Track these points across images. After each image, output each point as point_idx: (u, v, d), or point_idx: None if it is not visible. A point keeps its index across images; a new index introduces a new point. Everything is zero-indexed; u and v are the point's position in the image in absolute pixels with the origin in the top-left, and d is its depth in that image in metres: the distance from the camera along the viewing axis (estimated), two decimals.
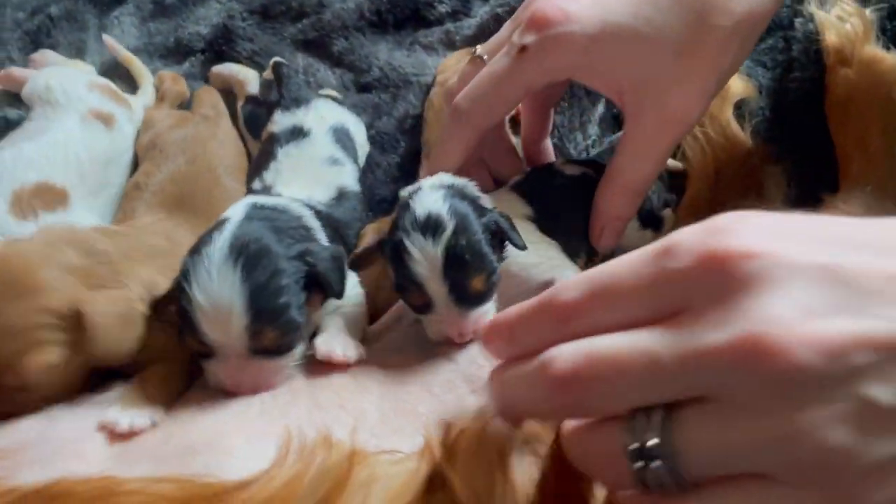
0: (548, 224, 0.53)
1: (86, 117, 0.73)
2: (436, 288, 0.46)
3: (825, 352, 0.25)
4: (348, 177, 0.64)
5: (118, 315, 0.46)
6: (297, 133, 0.65)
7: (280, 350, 0.45)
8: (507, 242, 0.49)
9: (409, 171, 0.72)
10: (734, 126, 0.67)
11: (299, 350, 0.47)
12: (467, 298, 0.46)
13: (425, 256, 0.45)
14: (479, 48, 0.55)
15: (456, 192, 0.48)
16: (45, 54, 0.83)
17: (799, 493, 0.26)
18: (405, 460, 0.38)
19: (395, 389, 0.45)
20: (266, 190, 0.60)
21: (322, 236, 0.51)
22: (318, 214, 0.55)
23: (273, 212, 0.49)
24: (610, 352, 0.29)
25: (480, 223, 0.46)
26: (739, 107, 0.70)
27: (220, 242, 0.44)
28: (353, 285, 0.54)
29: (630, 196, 0.52)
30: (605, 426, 0.30)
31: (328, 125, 0.67)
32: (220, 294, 0.43)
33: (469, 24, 0.81)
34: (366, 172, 0.72)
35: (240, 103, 0.79)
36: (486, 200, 0.50)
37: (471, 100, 0.51)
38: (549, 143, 0.63)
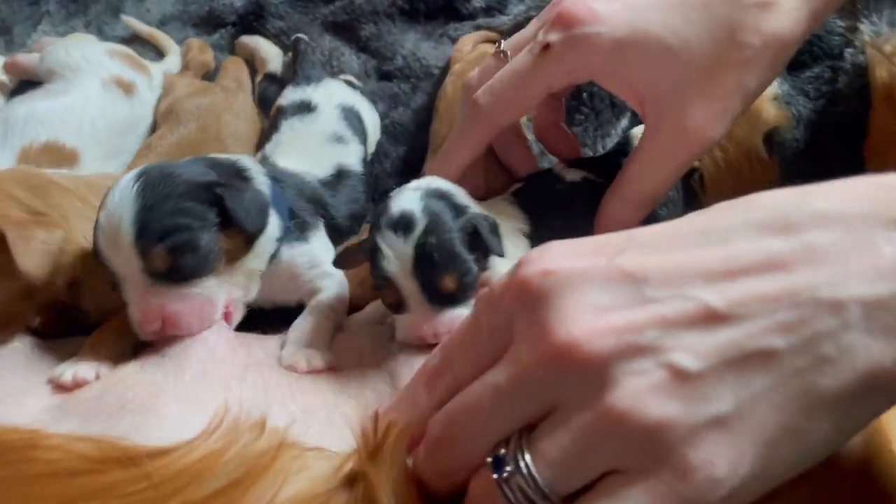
0: (544, 236, 0.50)
1: (107, 83, 0.73)
2: (407, 286, 0.46)
3: (616, 336, 0.27)
4: (351, 156, 0.63)
5: (43, 244, 0.46)
6: (304, 108, 0.65)
7: (179, 274, 0.44)
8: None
9: (419, 164, 0.70)
10: (762, 153, 0.62)
11: (210, 284, 0.46)
12: (439, 297, 0.46)
13: (395, 254, 0.45)
14: (503, 43, 0.53)
15: (435, 194, 0.48)
16: (42, 41, 0.83)
17: (645, 475, 0.27)
18: (333, 457, 0.37)
19: (350, 393, 0.44)
20: (263, 161, 0.60)
21: (265, 188, 0.50)
22: (303, 186, 0.55)
23: (215, 160, 0.49)
24: (463, 402, 0.31)
25: (456, 223, 0.46)
26: (772, 135, 0.65)
27: (135, 171, 0.45)
28: (331, 271, 0.53)
29: (637, 207, 0.50)
30: (479, 470, 0.31)
31: (336, 102, 0.66)
32: (114, 211, 0.43)
33: (501, 22, 0.78)
34: (374, 162, 0.70)
35: (258, 78, 0.79)
36: (475, 206, 0.49)
37: (490, 96, 0.50)
38: (564, 128, 0.60)
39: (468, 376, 0.32)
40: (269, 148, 0.61)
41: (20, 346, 0.48)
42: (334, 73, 0.78)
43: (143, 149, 0.68)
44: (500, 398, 0.30)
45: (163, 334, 0.45)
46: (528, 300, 0.30)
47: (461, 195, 0.50)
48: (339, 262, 0.51)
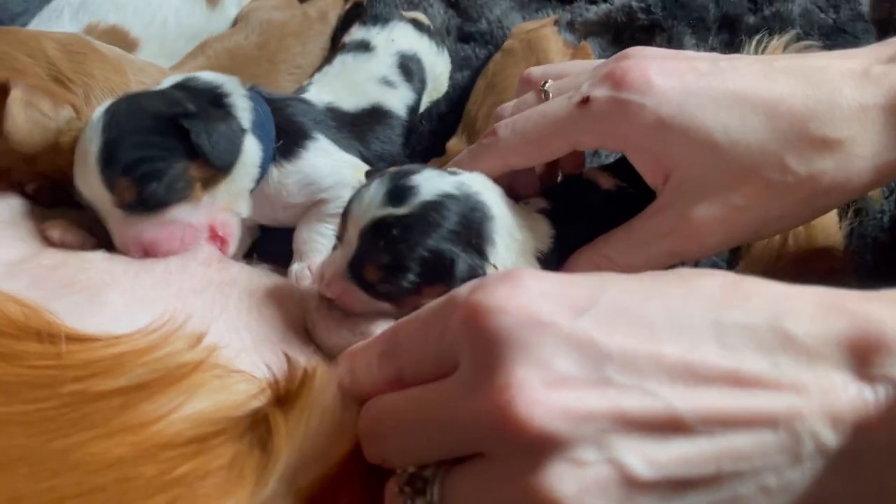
0: (565, 257, 0.46)
1: None
2: (349, 237, 0.41)
3: (566, 419, 0.25)
4: (395, 99, 0.61)
5: (43, 115, 0.46)
6: (362, 47, 0.63)
7: (149, 204, 0.45)
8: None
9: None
10: (830, 218, 0.56)
11: (185, 209, 0.46)
12: (358, 273, 0.41)
13: (365, 206, 0.40)
14: (550, 83, 0.48)
15: (469, 203, 0.41)
16: None
17: None
18: (251, 382, 0.35)
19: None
20: (301, 90, 0.59)
21: (245, 114, 0.49)
22: (301, 106, 0.54)
23: (196, 85, 0.49)
24: (395, 408, 0.31)
25: (437, 243, 0.39)
26: (854, 200, 0.59)
27: (105, 104, 0.46)
28: (334, 182, 0.51)
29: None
30: (393, 477, 0.30)
31: (396, 49, 0.64)
32: (83, 148, 0.45)
33: (597, 11, 0.73)
34: (422, 119, 0.68)
35: (347, 4, 0.77)
36: (494, 242, 0.42)
37: (511, 132, 0.45)
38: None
39: (409, 373, 0.31)
40: (315, 77, 0.61)
41: (8, 204, 0.48)
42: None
43: (197, 47, 0.67)
44: (430, 426, 0.29)
45: (152, 257, 0.45)
46: (478, 338, 0.28)
47: (502, 227, 0.43)
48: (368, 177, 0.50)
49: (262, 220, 0.53)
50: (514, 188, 0.51)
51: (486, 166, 0.47)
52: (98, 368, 0.34)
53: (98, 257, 0.44)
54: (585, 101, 0.42)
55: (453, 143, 0.63)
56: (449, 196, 0.41)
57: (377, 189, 0.41)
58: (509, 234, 0.43)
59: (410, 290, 0.40)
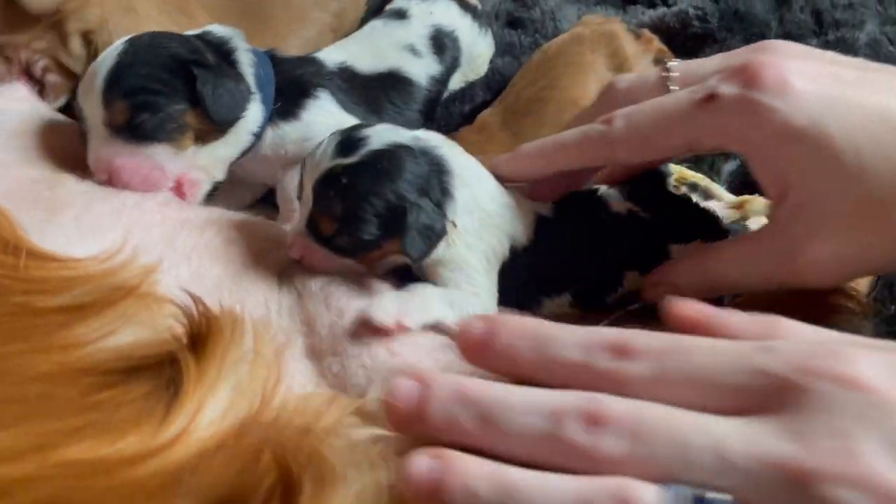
0: (542, 265, 0.44)
1: None
2: (306, 194, 0.41)
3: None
4: (417, 67, 0.60)
5: None
6: (398, 14, 0.63)
7: (135, 132, 0.45)
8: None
9: None
10: None
11: (164, 151, 0.46)
12: (316, 232, 0.41)
13: (317, 162, 0.41)
14: (675, 63, 0.45)
15: (427, 155, 0.41)
16: None
17: None
18: (177, 318, 0.35)
19: (260, 277, 0.42)
20: (315, 50, 0.59)
21: (248, 72, 0.49)
22: (308, 65, 0.54)
23: (210, 37, 0.50)
24: (670, 427, 0.28)
25: (392, 191, 0.39)
26: None
27: (131, 35, 0.47)
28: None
29: (708, 288, 0.43)
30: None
31: (433, 22, 0.63)
32: (96, 64, 0.46)
33: (652, 15, 0.71)
34: (454, 100, 0.67)
35: None
36: (453, 197, 0.41)
37: (627, 124, 0.42)
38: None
39: (675, 397, 0.29)
40: (340, 41, 0.61)
41: (26, 108, 0.51)
42: None
43: None
44: (719, 457, 0.27)
45: (113, 185, 0.46)
46: (818, 398, 0.27)
47: (464, 185, 0.41)
48: None
49: (266, 181, 0.54)
50: (532, 186, 0.49)
51: (591, 154, 0.44)
52: (47, 285, 0.35)
53: (70, 178, 0.45)
54: (711, 97, 0.39)
55: (486, 115, 0.62)
56: (401, 146, 0.41)
57: (328, 143, 0.41)
58: (476, 201, 0.42)
59: (368, 244, 0.40)
